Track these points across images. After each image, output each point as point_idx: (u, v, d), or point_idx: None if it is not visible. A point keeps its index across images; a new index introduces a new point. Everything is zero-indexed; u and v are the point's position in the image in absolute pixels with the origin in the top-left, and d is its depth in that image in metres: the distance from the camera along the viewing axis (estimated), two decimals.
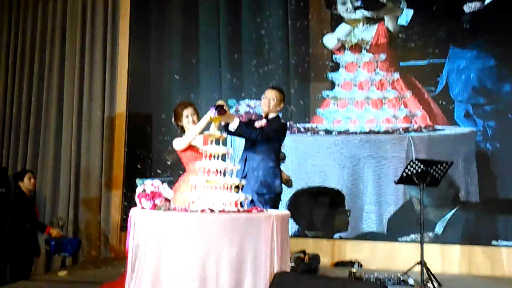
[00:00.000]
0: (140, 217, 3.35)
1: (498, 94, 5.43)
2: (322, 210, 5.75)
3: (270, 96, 4.33)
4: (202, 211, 3.31)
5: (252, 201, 4.05)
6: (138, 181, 3.91)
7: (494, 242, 5.26)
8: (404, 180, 4.64)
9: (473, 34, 5.51)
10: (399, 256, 5.32)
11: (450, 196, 5.41)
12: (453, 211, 5.41)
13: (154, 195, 3.40)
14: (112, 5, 6.28)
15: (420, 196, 4.54)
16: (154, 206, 3.40)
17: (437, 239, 5.37)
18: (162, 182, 3.48)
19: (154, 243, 3.21)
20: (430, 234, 5.37)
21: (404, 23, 5.67)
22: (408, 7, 5.67)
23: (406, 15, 5.64)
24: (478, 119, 5.45)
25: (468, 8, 5.47)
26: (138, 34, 6.28)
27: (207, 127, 4.05)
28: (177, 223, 3.21)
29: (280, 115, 4.69)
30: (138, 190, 3.46)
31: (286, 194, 5.56)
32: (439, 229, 5.39)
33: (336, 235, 5.65)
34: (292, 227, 5.65)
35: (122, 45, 6.26)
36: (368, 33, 5.81)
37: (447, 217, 5.40)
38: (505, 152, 5.34)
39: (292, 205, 5.69)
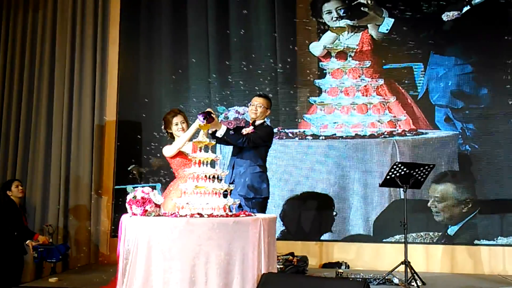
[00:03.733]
0: (131, 223, 3.45)
1: (475, 98, 5.63)
2: (310, 213, 5.88)
3: (257, 103, 4.46)
4: (192, 215, 3.42)
5: (240, 206, 4.17)
6: (128, 187, 4.01)
7: (476, 242, 5.42)
8: (388, 182, 4.77)
9: (451, 41, 5.71)
10: (385, 256, 5.46)
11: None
12: (436, 212, 5.56)
13: (144, 201, 3.51)
14: (101, 13, 6.30)
15: (404, 197, 4.68)
16: (145, 212, 3.50)
17: (421, 240, 5.52)
18: (152, 188, 3.59)
19: (144, 247, 3.32)
20: (414, 234, 5.52)
21: (385, 31, 5.85)
22: (389, 16, 5.85)
23: (387, 24, 5.82)
24: (458, 123, 5.64)
25: (446, 16, 5.67)
26: (128, 42, 6.34)
27: (195, 134, 4.16)
28: (167, 228, 3.32)
29: (268, 121, 4.82)
30: (129, 196, 3.57)
31: (275, 199, 5.70)
32: (423, 229, 5.54)
33: (324, 237, 5.78)
34: (281, 230, 5.77)
35: (111, 53, 6.30)
36: (352, 40, 5.96)
37: (431, 218, 5.56)
38: (484, 153, 5.54)
39: (281, 208, 5.82)
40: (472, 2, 5.65)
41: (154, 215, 3.51)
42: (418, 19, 5.77)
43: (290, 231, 5.84)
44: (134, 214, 3.52)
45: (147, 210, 3.51)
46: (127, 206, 3.58)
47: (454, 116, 5.65)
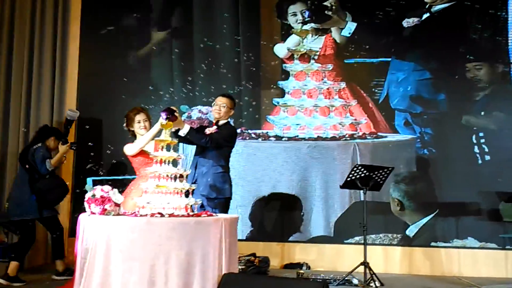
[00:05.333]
0: (89, 222, 3.38)
1: (433, 103, 5.78)
2: (272, 214, 5.91)
3: (221, 103, 4.45)
4: (152, 215, 3.38)
5: (202, 206, 4.15)
6: (87, 186, 3.93)
7: (433, 244, 5.56)
8: (348, 184, 4.86)
9: (411, 47, 5.85)
10: (345, 257, 5.53)
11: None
12: (395, 214, 5.68)
13: (104, 200, 3.44)
14: (62, 9, 6.19)
15: (364, 199, 4.76)
16: (104, 211, 3.44)
17: (380, 241, 5.62)
18: (112, 187, 3.53)
19: (103, 247, 3.26)
20: (374, 236, 5.62)
21: (347, 35, 5.94)
22: (352, 20, 5.94)
23: (350, 28, 5.92)
24: (416, 127, 5.78)
25: (406, 23, 5.81)
26: (89, 37, 6.24)
27: (158, 133, 4.11)
28: (126, 227, 3.28)
29: (232, 121, 4.82)
30: (88, 195, 3.50)
31: (238, 199, 5.70)
32: (382, 231, 5.64)
33: (286, 238, 5.81)
34: (244, 230, 5.77)
35: (72, 49, 6.19)
36: (316, 44, 6.03)
37: (390, 220, 5.67)
38: (441, 157, 5.68)
39: (243, 209, 5.82)
40: (432, 10, 5.80)
41: (114, 214, 3.46)
42: (379, 24, 5.89)
43: (252, 232, 5.85)
44: (93, 213, 3.46)
45: (106, 209, 3.44)
46: (86, 204, 3.51)
47: (413, 120, 5.79)
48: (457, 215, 5.52)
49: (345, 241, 5.68)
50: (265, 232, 5.87)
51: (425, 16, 5.81)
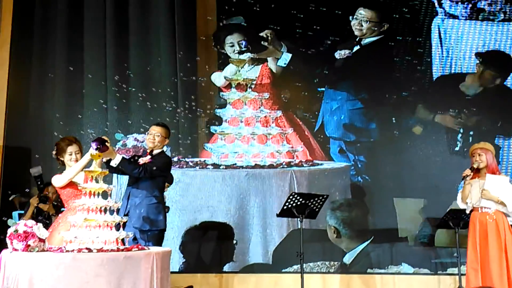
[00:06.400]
0: (11, 259, 3.21)
1: (366, 131, 5.96)
2: (210, 244, 5.83)
3: (155, 132, 4.36)
4: (79, 250, 3.23)
5: (135, 239, 4.02)
6: (10, 221, 3.72)
7: (369, 270, 5.64)
8: (285, 212, 4.87)
9: (344, 78, 6.03)
10: (283, 286, 5.52)
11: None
12: (332, 242, 5.74)
13: (27, 236, 3.28)
14: None
15: (300, 227, 4.77)
16: (27, 247, 3.27)
17: (318, 269, 5.65)
18: (37, 221, 3.37)
19: (25, 285, 3.10)
20: (311, 264, 5.63)
21: (283, 65, 6.06)
22: (288, 51, 6.07)
23: (285, 58, 6.04)
24: (351, 155, 5.93)
25: (338, 55, 6.01)
26: (18, 63, 6.03)
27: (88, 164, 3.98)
28: (51, 264, 3.13)
29: (168, 149, 4.74)
30: (10, 230, 3.34)
31: (175, 229, 5.58)
32: (320, 259, 5.68)
33: (224, 268, 5.72)
34: (180, 262, 5.64)
35: (0, 76, 5.96)
36: (253, 73, 6.10)
37: (327, 248, 5.72)
38: (374, 184, 5.83)
39: (180, 239, 5.70)
40: (362, 42, 6.03)
41: (38, 251, 3.29)
42: (314, 55, 6.04)
43: (189, 263, 5.73)
44: (15, 250, 3.29)
45: (29, 245, 3.27)
46: (8, 240, 3.34)
47: (347, 148, 5.93)
48: (391, 242, 5.64)
49: (283, 270, 5.66)
50: (203, 263, 5.76)
51: (355, 48, 6.02)
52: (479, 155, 4.44)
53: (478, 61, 5.88)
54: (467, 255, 4.45)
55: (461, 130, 5.80)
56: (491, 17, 5.92)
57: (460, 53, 5.95)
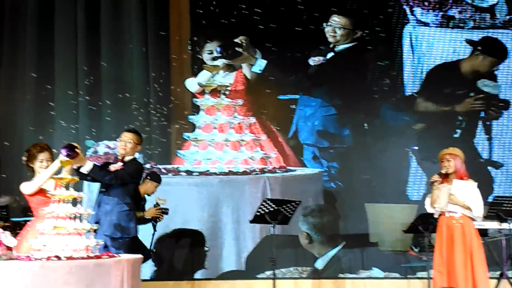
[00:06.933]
0: None
1: (339, 138, 6.03)
2: (182, 251, 5.79)
3: (126, 139, 4.32)
4: (48, 258, 3.18)
5: (106, 246, 3.98)
6: None
7: (340, 275, 5.69)
8: (258, 219, 4.89)
9: (317, 84, 6.10)
10: None
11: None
12: (304, 247, 5.77)
13: None
14: None
15: (273, 233, 4.80)
16: None
17: (290, 274, 5.67)
18: (4, 229, 3.30)
19: None
20: (284, 269, 5.65)
21: (258, 71, 6.09)
22: (262, 57, 6.09)
23: (260, 65, 6.07)
24: (324, 161, 5.99)
25: (312, 61, 6.07)
26: None
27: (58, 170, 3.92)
28: (18, 273, 3.08)
29: (141, 156, 4.70)
30: None
31: (148, 236, 5.52)
32: (292, 264, 5.70)
33: (197, 275, 5.69)
34: (152, 269, 5.58)
35: None
36: (227, 79, 6.10)
37: (299, 253, 5.75)
38: (346, 190, 5.90)
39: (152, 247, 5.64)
40: (335, 49, 6.10)
41: (5, 259, 3.24)
42: (288, 62, 6.09)
43: (162, 271, 5.67)
44: None
45: None
46: None
47: (320, 154, 5.99)
48: (362, 247, 5.71)
49: (257, 276, 5.67)
50: (175, 270, 5.71)
51: (329, 55, 6.09)
52: (448, 160, 4.52)
53: None
54: (434, 258, 4.53)
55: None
56: (461, 25, 6.07)
57: (431, 59, 6.07)
